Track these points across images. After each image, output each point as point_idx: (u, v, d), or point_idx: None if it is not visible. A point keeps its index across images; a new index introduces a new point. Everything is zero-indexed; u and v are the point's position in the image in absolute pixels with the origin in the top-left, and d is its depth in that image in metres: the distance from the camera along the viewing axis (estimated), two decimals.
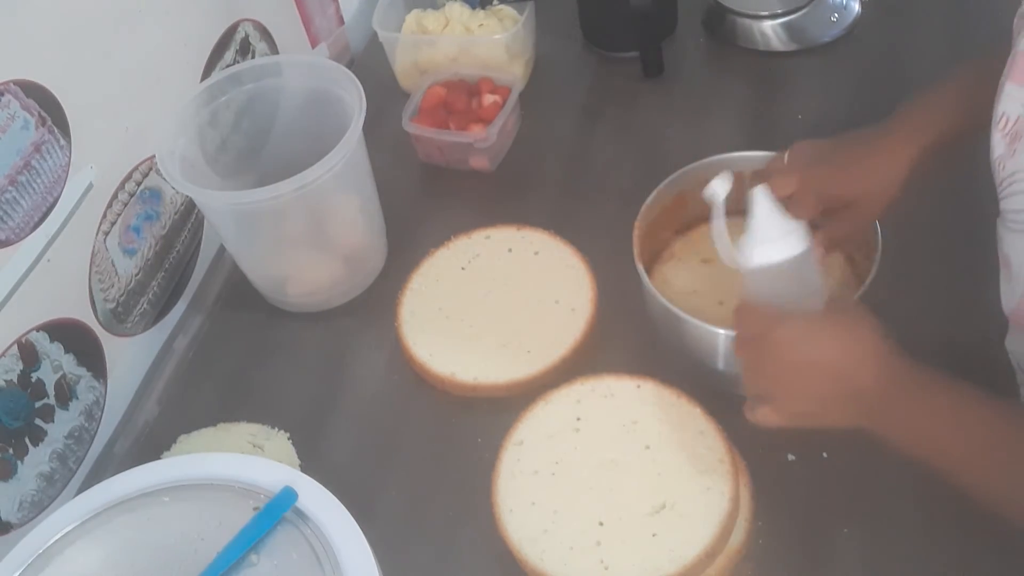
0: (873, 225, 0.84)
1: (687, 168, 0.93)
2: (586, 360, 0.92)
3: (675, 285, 0.93)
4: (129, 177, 0.97)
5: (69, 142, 0.87)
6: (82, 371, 0.93)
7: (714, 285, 0.92)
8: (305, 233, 1.01)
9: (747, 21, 1.23)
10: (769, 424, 0.71)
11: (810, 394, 0.69)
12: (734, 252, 0.72)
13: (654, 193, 0.91)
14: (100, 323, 0.95)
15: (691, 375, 0.86)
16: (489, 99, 1.15)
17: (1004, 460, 0.62)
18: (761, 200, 0.72)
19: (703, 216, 0.97)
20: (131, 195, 0.98)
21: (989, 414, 0.64)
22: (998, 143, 0.66)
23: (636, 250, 0.87)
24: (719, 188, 0.72)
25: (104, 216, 0.94)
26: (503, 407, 0.88)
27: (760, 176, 0.82)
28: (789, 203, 0.76)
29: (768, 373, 0.71)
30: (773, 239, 0.72)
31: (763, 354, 0.70)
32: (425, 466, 0.89)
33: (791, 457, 0.84)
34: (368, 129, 0.94)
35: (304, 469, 0.81)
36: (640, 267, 0.87)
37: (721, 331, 0.81)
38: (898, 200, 0.81)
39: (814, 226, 0.78)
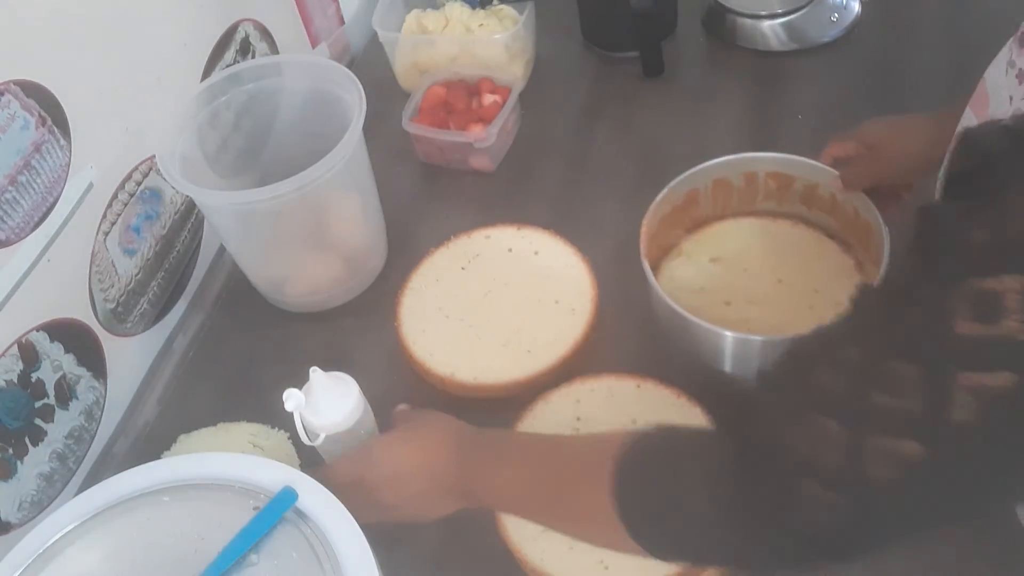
0: (880, 233, 0.84)
1: (700, 167, 0.93)
2: (586, 360, 0.92)
3: (680, 281, 0.93)
4: (129, 177, 0.97)
5: (69, 142, 0.87)
6: (82, 371, 0.93)
7: (721, 284, 0.92)
8: (305, 233, 1.01)
9: (747, 21, 1.23)
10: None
11: (413, 496, 0.76)
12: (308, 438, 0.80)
13: (665, 191, 0.91)
14: (100, 323, 0.95)
15: (691, 375, 0.86)
16: (489, 99, 1.15)
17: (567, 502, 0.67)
18: (315, 380, 0.79)
19: (715, 215, 0.97)
20: (131, 195, 0.98)
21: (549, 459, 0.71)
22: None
23: (643, 248, 0.87)
24: (291, 403, 0.79)
25: (104, 216, 0.94)
26: (503, 407, 0.88)
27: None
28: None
29: (380, 501, 0.76)
30: (333, 416, 0.80)
31: (368, 490, 0.76)
32: None
33: None
34: (368, 129, 0.94)
35: (304, 469, 0.81)
36: (646, 265, 0.86)
37: (729, 333, 0.81)
38: (920, 173, 0.84)
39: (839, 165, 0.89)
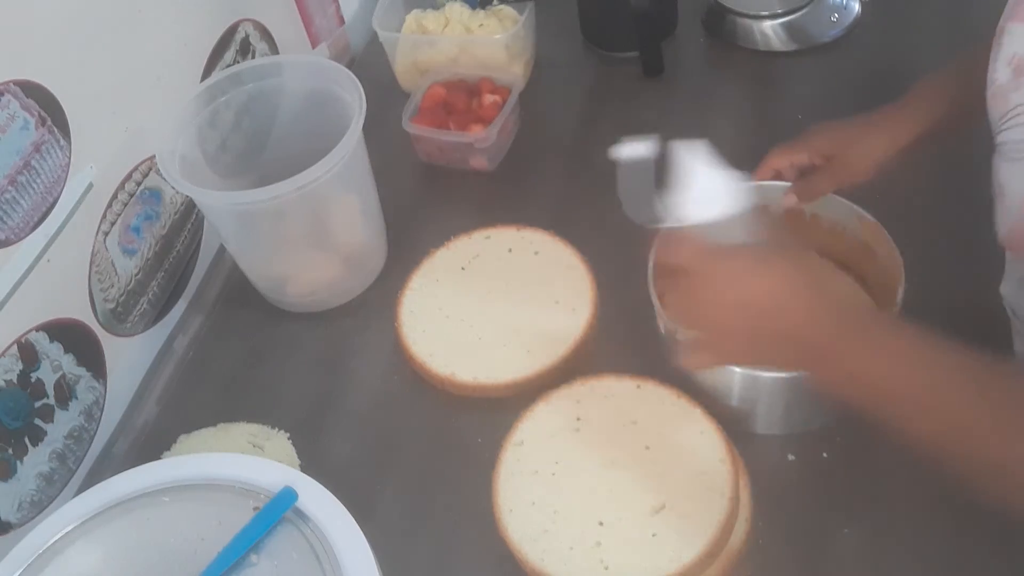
0: (891, 255, 0.83)
1: None
2: (586, 360, 0.92)
3: None
4: (129, 177, 0.97)
5: (69, 142, 0.87)
6: (82, 371, 0.93)
7: None
8: (305, 233, 1.01)
9: (747, 21, 1.23)
10: (702, 366, 0.72)
11: (737, 332, 0.67)
12: (669, 206, 0.70)
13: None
14: (100, 323, 0.95)
15: (691, 375, 0.86)
16: (489, 99, 1.15)
17: (965, 405, 0.59)
18: (699, 155, 0.70)
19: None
20: (131, 195, 0.98)
21: (945, 354, 0.61)
22: (1002, 72, 0.67)
23: (651, 282, 0.84)
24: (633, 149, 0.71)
25: (104, 216, 0.94)
26: (503, 407, 0.88)
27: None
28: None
29: (694, 306, 0.69)
30: (710, 197, 0.70)
31: (691, 287, 0.69)
32: (425, 466, 0.89)
33: (791, 457, 0.84)
34: (368, 129, 0.94)
35: (304, 469, 0.81)
36: (655, 297, 0.85)
37: (738, 369, 0.80)
38: (879, 173, 0.84)
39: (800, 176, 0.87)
